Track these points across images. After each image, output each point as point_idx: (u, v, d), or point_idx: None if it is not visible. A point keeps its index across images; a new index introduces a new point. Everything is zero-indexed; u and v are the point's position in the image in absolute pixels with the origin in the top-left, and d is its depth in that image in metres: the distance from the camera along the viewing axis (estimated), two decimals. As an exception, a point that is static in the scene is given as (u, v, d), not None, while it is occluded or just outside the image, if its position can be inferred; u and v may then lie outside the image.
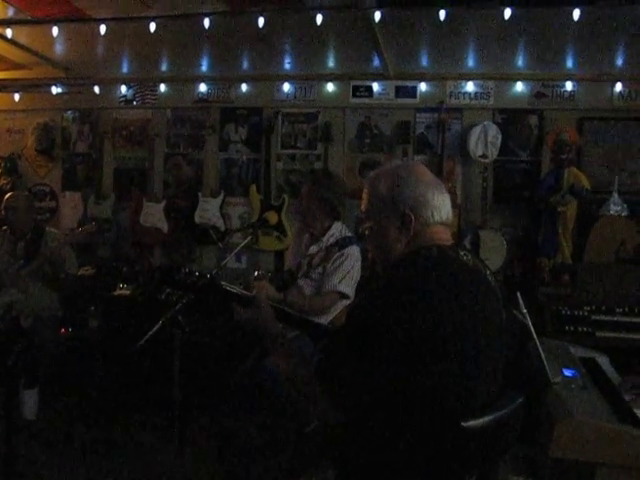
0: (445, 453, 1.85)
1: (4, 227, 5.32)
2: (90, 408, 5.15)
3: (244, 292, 2.23)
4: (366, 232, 2.17)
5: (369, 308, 1.90)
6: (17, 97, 7.01)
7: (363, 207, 2.18)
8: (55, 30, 4.94)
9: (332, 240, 4.09)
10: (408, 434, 1.84)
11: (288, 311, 2.36)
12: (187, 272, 2.23)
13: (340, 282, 3.92)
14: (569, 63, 5.71)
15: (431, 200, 2.05)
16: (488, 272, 2.10)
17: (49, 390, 5.12)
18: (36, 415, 4.96)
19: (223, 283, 2.24)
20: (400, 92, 6.31)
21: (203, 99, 6.69)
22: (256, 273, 4.59)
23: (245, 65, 6.33)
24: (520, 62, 5.77)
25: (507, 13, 4.22)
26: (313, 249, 4.15)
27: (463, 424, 1.81)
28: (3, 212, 5.22)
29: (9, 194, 5.31)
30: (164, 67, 6.49)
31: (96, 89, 6.83)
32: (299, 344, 3.45)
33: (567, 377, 2.71)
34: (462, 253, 2.03)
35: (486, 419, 1.88)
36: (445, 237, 2.07)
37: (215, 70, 6.50)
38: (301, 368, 2.07)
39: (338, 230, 4.15)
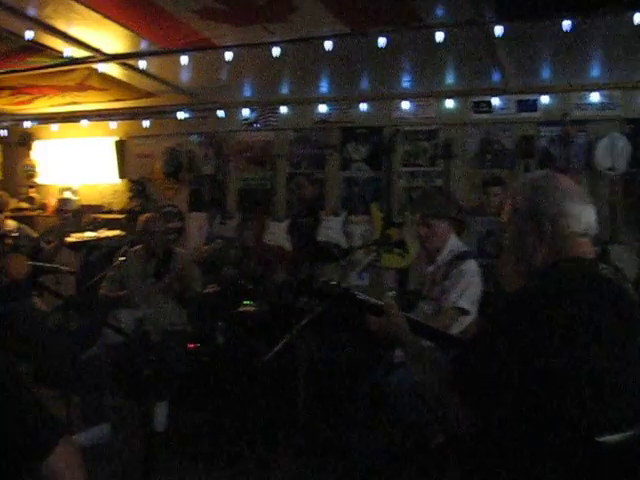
0: (579, 469, 1.80)
1: (136, 247, 5.54)
2: (216, 421, 5.26)
3: (377, 301, 2.26)
4: (505, 242, 2.15)
5: (505, 321, 1.88)
6: (146, 123, 7.32)
7: (504, 218, 2.16)
8: (184, 59, 5.14)
9: (448, 257, 4.06)
10: (541, 447, 1.80)
11: (417, 320, 2.35)
12: (324, 282, 2.29)
13: (459, 298, 3.88)
14: None
15: (570, 209, 2.00)
16: (629, 286, 2.03)
17: (177, 403, 5.26)
18: (165, 427, 5.10)
19: (356, 292, 2.28)
20: (521, 106, 6.21)
21: (324, 119, 6.79)
22: (391, 294, 4.60)
23: (364, 85, 6.38)
24: (649, 69, 5.55)
25: (637, 18, 4.05)
26: (430, 268, 4.14)
27: (598, 439, 1.76)
28: (141, 234, 5.44)
29: (146, 217, 5.51)
30: (285, 89, 6.62)
31: (220, 113, 7.04)
32: (435, 354, 3.45)
33: None
34: (602, 267, 1.97)
35: (623, 435, 1.81)
36: (586, 250, 2.01)
37: (335, 90, 6.57)
38: (436, 377, 2.06)
39: (454, 246, 4.11)
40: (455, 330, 3.86)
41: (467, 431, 1.95)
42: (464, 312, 3.89)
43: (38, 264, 5.55)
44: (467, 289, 3.92)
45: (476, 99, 6.31)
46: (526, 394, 1.79)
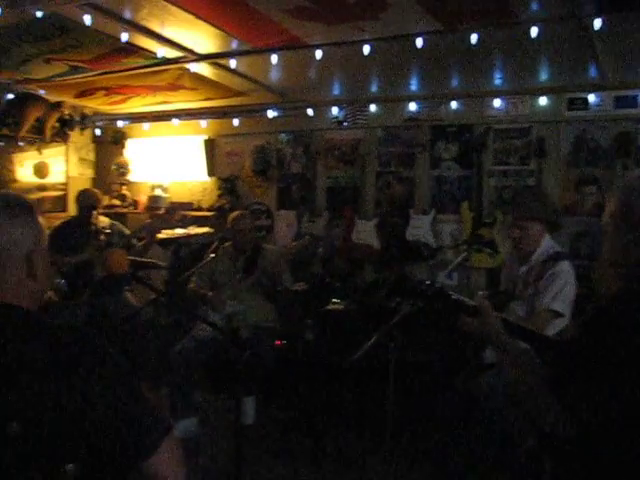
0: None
1: (226, 244, 5.62)
2: (303, 418, 5.28)
3: (471, 301, 2.23)
4: (603, 244, 2.09)
5: (603, 324, 1.83)
6: (236, 122, 7.40)
7: (603, 220, 2.09)
8: (274, 58, 5.16)
9: (542, 258, 3.98)
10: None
11: (512, 321, 2.31)
12: (418, 281, 2.28)
13: (553, 300, 3.80)
14: None
15: None
16: None
17: (264, 398, 5.31)
18: (253, 420, 5.15)
19: (451, 292, 2.26)
20: (619, 102, 5.97)
21: (413, 117, 6.72)
22: (481, 293, 4.54)
23: (455, 82, 6.29)
24: None
25: None
26: (523, 269, 4.07)
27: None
28: (230, 231, 5.53)
29: (235, 214, 5.61)
30: (374, 87, 6.59)
31: (309, 111, 7.05)
32: (532, 356, 3.38)
33: None
34: None
35: None
36: None
37: (425, 88, 6.50)
38: (532, 379, 2.00)
39: (548, 247, 4.02)
40: (549, 332, 3.77)
41: (562, 435, 1.89)
42: (558, 314, 3.82)
43: (137, 259, 5.69)
44: (561, 291, 3.84)
45: (571, 96, 6.11)
46: (626, 400, 1.73)
